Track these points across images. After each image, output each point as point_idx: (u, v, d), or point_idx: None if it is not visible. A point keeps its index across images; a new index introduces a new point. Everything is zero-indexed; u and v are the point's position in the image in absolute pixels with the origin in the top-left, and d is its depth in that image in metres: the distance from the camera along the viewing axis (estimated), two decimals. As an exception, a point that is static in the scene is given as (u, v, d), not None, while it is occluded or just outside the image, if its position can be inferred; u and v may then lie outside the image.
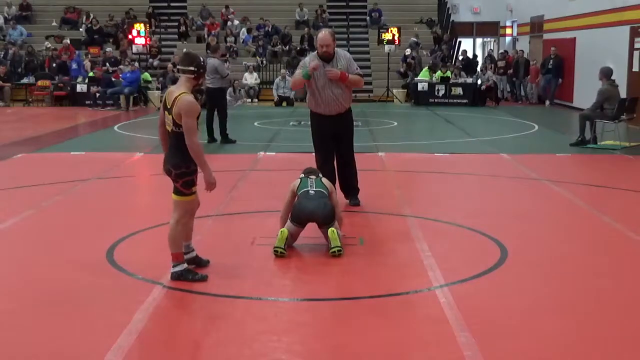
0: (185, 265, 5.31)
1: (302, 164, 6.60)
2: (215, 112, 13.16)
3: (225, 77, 13.02)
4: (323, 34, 7.62)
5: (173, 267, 5.29)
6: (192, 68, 5.23)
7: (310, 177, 6.30)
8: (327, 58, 7.58)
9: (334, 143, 7.81)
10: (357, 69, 7.76)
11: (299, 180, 6.28)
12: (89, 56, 23.84)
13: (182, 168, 5.21)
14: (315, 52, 7.75)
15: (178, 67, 5.38)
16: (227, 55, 23.84)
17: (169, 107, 5.19)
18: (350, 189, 7.93)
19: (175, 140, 5.20)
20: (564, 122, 17.03)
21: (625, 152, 11.98)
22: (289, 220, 6.08)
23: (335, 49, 7.69)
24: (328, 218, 5.98)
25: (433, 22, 27.41)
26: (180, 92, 5.17)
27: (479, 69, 25.09)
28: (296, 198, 6.17)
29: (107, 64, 22.69)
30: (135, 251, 6.17)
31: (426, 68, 22.93)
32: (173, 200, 5.34)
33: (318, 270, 5.69)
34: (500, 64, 24.14)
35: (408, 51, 24.28)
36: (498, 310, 4.79)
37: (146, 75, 21.67)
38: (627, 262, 5.94)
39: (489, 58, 25.45)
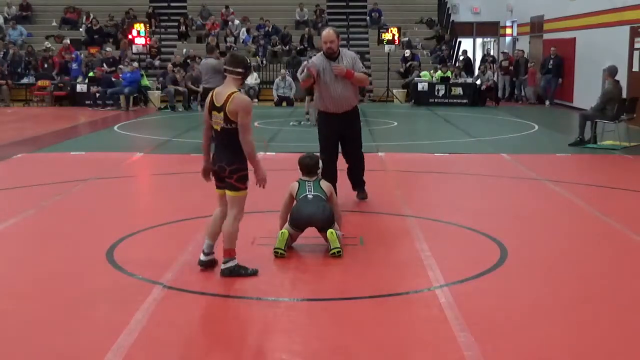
0: (236, 261, 5.41)
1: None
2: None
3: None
4: (327, 31, 7.78)
5: (224, 262, 5.39)
6: (239, 70, 5.38)
7: (309, 181, 6.27)
8: (332, 56, 7.66)
9: (340, 142, 7.92)
10: (362, 67, 7.87)
11: (297, 184, 6.26)
12: (82, 55, 23.81)
13: (235, 164, 5.32)
14: (321, 52, 7.83)
15: (225, 67, 5.48)
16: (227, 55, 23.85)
17: (219, 105, 5.28)
18: (358, 184, 8.16)
19: (227, 138, 5.30)
20: (564, 122, 17.04)
21: (625, 152, 11.98)
22: (287, 224, 6.07)
23: (340, 48, 7.79)
24: (327, 223, 5.97)
25: (433, 22, 27.42)
26: (231, 90, 5.29)
27: (477, 69, 25.08)
28: (294, 202, 6.17)
29: (104, 64, 22.68)
30: (135, 251, 6.18)
31: (425, 72, 23.01)
32: (229, 197, 5.41)
33: (318, 270, 5.69)
34: (504, 63, 24.12)
35: (407, 52, 24.29)
36: (498, 310, 4.79)
37: (145, 82, 21.63)
38: (627, 262, 5.94)
39: (489, 57, 25.42)
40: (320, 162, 6.47)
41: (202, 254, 5.55)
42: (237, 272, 5.39)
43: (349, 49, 24.07)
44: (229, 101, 5.23)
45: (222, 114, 5.28)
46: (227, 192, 5.41)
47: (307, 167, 6.35)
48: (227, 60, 5.56)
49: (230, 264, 5.39)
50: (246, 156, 5.32)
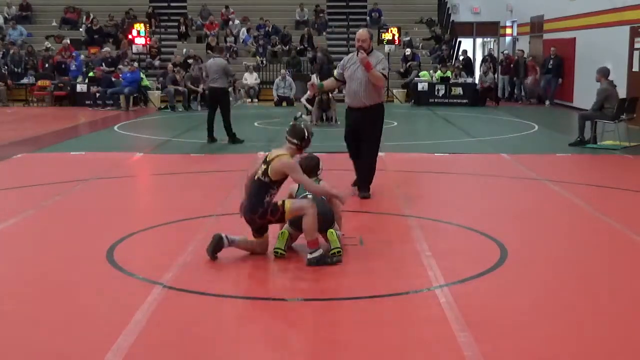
0: (321, 251, 5.64)
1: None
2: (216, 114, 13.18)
3: (231, 76, 12.98)
4: (361, 31, 8.35)
5: (310, 253, 5.62)
6: (295, 141, 5.88)
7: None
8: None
9: (356, 135, 8.35)
10: (383, 69, 8.23)
11: (297, 184, 6.26)
12: (82, 55, 23.82)
13: (259, 209, 5.73)
14: (356, 51, 8.27)
15: (286, 136, 5.95)
16: (227, 55, 23.86)
17: (268, 160, 5.79)
18: (362, 182, 8.37)
19: (256, 189, 5.77)
20: (564, 122, 17.04)
21: (625, 152, 11.99)
22: (287, 224, 6.06)
23: (375, 50, 8.36)
24: (327, 223, 5.96)
25: (433, 22, 27.42)
26: (282, 153, 5.82)
27: (479, 69, 25.08)
28: None
29: (103, 64, 22.69)
30: (135, 251, 6.18)
31: (424, 72, 23.01)
32: (288, 219, 5.81)
33: (318, 270, 5.67)
34: (504, 63, 24.11)
35: (408, 51, 24.28)
36: (498, 310, 4.79)
37: (145, 82, 21.63)
38: (627, 262, 5.94)
39: (489, 57, 25.41)
40: (321, 162, 6.48)
41: (227, 235, 5.78)
42: (323, 260, 5.60)
43: (349, 49, 24.08)
44: (275, 159, 5.72)
45: (265, 166, 5.74)
46: (287, 217, 5.77)
47: (307, 167, 6.35)
48: (288, 129, 5.97)
49: (316, 253, 5.61)
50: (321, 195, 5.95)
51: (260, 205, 5.72)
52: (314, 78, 18.27)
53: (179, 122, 17.50)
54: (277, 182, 5.80)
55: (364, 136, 8.27)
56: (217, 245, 5.73)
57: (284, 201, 5.74)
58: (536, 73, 22.66)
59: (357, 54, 8.16)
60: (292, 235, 6.04)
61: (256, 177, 5.82)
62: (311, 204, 5.72)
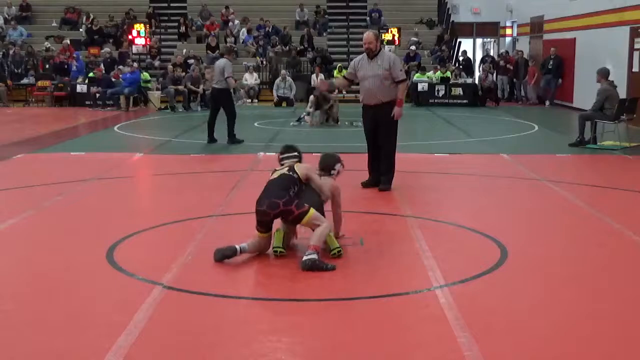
0: (316, 256, 5.58)
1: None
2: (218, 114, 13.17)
3: (225, 78, 12.84)
4: (367, 34, 8.67)
5: (307, 255, 5.59)
6: (295, 155, 6.34)
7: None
8: (370, 55, 8.53)
9: (374, 132, 8.75)
10: (400, 71, 8.61)
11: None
12: (82, 56, 23.83)
13: (286, 197, 5.76)
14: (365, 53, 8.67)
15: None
16: (234, 57, 23.88)
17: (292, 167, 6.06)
18: (382, 175, 8.74)
19: (283, 180, 5.90)
20: (564, 123, 17.04)
21: (625, 152, 11.99)
22: (282, 223, 6.04)
23: (384, 49, 8.79)
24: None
25: (433, 23, 27.42)
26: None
27: (478, 70, 25.07)
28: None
29: (102, 65, 22.68)
30: (135, 251, 6.17)
31: (418, 74, 22.95)
32: (306, 223, 5.82)
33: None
34: (501, 63, 24.12)
35: (413, 47, 24.25)
36: (498, 310, 4.79)
37: (145, 76, 21.66)
38: (627, 263, 5.94)
39: (489, 58, 25.40)
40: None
41: (240, 247, 5.79)
42: (318, 266, 5.53)
43: (349, 50, 23.96)
44: (298, 166, 6.07)
45: (289, 168, 6.00)
46: (302, 222, 5.81)
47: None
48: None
49: (313, 256, 5.55)
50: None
51: (286, 193, 5.77)
52: (313, 78, 18.27)
53: (179, 123, 17.50)
54: (301, 181, 5.95)
55: (381, 131, 8.65)
56: (228, 256, 5.74)
57: (310, 207, 5.78)
58: (537, 82, 22.62)
59: (366, 55, 8.54)
60: (289, 232, 6.02)
61: (280, 173, 5.94)
62: (327, 223, 5.84)
